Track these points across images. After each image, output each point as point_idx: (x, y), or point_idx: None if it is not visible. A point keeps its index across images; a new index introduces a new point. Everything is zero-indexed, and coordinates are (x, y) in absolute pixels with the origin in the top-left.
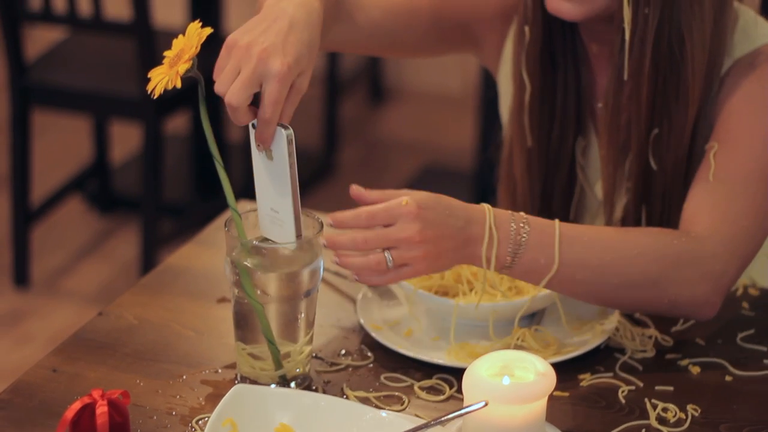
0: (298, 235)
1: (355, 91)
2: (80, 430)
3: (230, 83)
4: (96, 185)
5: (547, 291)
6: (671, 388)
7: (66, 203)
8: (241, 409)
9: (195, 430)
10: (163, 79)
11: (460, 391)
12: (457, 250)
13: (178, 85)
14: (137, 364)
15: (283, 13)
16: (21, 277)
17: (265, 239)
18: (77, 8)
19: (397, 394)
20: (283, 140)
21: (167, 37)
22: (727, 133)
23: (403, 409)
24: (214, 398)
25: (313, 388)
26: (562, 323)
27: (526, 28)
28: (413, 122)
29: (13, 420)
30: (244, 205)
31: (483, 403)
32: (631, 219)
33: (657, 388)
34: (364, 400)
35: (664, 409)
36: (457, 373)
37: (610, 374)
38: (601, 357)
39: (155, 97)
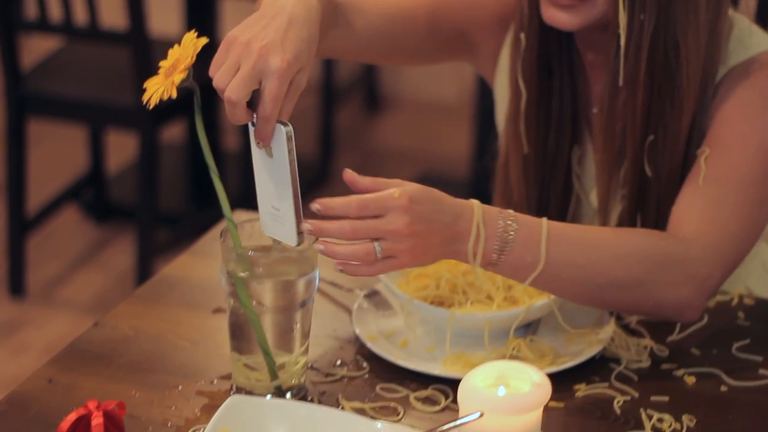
0: (299, 232)
1: (351, 99)
2: None
3: (230, 78)
4: (92, 194)
5: (542, 301)
6: (666, 398)
7: (62, 212)
8: (237, 420)
9: None
10: (158, 89)
11: (455, 401)
12: (444, 245)
13: (174, 95)
14: (133, 375)
15: (282, 10)
16: (17, 286)
17: (261, 249)
18: (73, 17)
19: (392, 404)
20: (282, 137)
21: (163, 46)
22: (720, 139)
23: (399, 420)
24: (210, 409)
25: (309, 398)
26: (557, 333)
27: (522, 36)
28: (409, 131)
29: (8, 431)
30: (239, 215)
31: (478, 414)
32: (626, 226)
33: (652, 398)
34: (360, 411)
35: (660, 420)
36: (453, 383)
37: (606, 384)
38: (596, 367)
39: (151, 108)
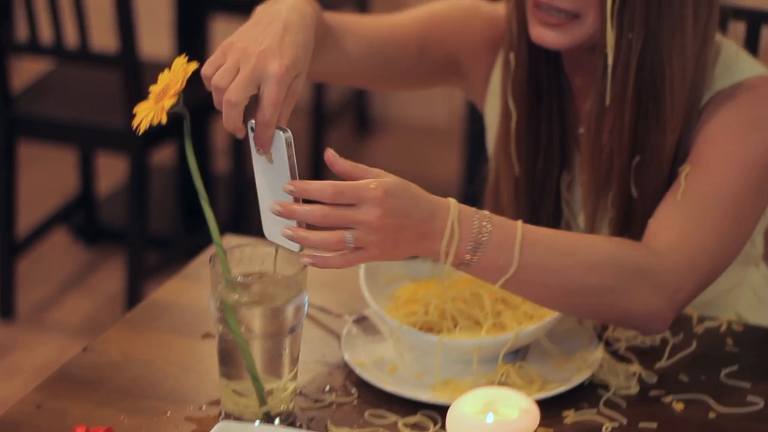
0: None
1: (342, 122)
2: None
3: (230, 78)
4: (82, 217)
5: (531, 327)
6: (655, 425)
7: (51, 235)
8: None
9: None
10: (148, 114)
11: (444, 427)
12: (415, 241)
13: (164, 120)
14: (122, 401)
15: (277, 16)
16: (6, 309)
17: (250, 274)
18: (64, 40)
19: (381, 430)
20: (282, 143)
21: (154, 69)
22: (701, 157)
23: None
24: None
25: (298, 424)
26: (546, 359)
27: (512, 56)
28: (399, 154)
29: None
30: (229, 240)
31: None
32: None
33: (641, 425)
34: None
35: None
36: (442, 409)
37: (594, 411)
38: (585, 393)
39: (140, 133)
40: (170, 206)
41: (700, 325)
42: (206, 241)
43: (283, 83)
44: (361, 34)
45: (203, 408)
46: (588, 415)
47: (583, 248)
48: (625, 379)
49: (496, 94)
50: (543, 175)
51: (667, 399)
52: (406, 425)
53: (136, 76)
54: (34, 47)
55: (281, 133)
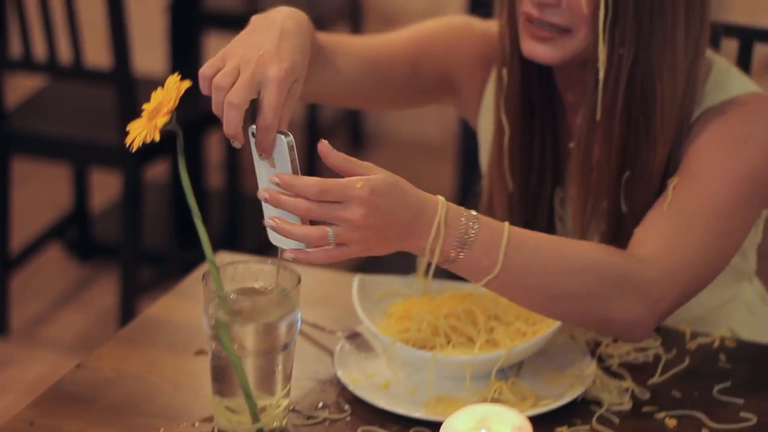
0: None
1: (336, 138)
2: None
3: (231, 81)
4: (75, 233)
5: (524, 344)
6: None
7: (45, 251)
8: None
9: None
10: (141, 132)
11: None
12: (399, 239)
13: (157, 138)
14: (115, 418)
15: (273, 24)
16: (0, 325)
17: (243, 292)
18: (57, 56)
19: None
20: (284, 147)
21: (147, 85)
22: (690, 170)
23: None
24: None
25: None
26: (539, 375)
27: (504, 71)
28: (393, 170)
29: None
30: (223, 257)
31: None
32: None
33: None
34: None
35: None
36: (435, 426)
37: (587, 427)
38: (577, 409)
39: (133, 151)
40: (164, 222)
41: (693, 341)
42: (200, 256)
43: (283, 86)
44: (354, 53)
45: (196, 425)
46: (581, 431)
47: (567, 253)
48: (618, 395)
49: (489, 111)
50: (536, 191)
51: (660, 415)
52: None
53: (130, 93)
54: (27, 64)
55: (283, 137)
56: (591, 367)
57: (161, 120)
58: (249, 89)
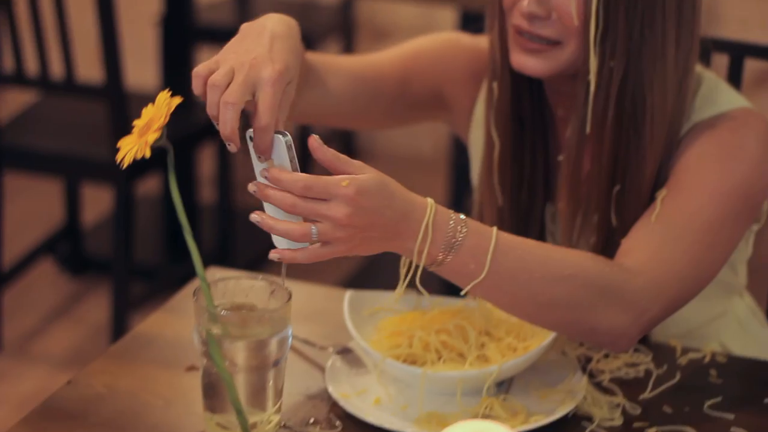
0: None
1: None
2: None
3: (227, 81)
4: (67, 248)
5: (515, 360)
6: None
7: (37, 266)
8: None
9: None
10: (132, 149)
11: None
12: (385, 240)
13: (147, 155)
14: None
15: (263, 29)
16: None
17: (234, 307)
18: (49, 71)
19: None
20: (282, 147)
21: (139, 100)
22: (679, 183)
23: None
24: None
25: None
26: (530, 391)
27: (495, 85)
28: None
29: None
30: (214, 273)
31: None
32: None
33: None
34: None
35: None
36: None
37: None
38: (569, 425)
39: (124, 167)
40: (156, 236)
41: (683, 357)
42: (192, 271)
43: (278, 87)
44: (344, 71)
45: None
46: None
47: (555, 260)
48: (609, 411)
49: (480, 126)
50: (527, 206)
51: (651, 431)
52: None
53: (122, 107)
54: (19, 78)
55: (280, 137)
56: (582, 383)
57: (152, 136)
58: (244, 89)
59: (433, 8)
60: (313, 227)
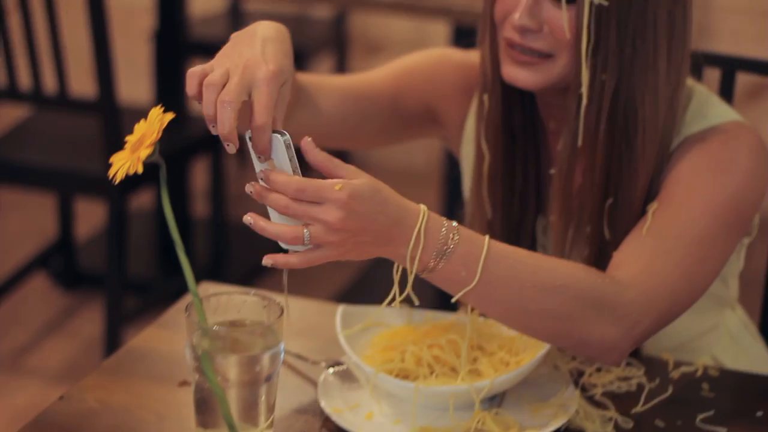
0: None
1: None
2: None
3: (223, 81)
4: (60, 262)
5: (507, 374)
6: None
7: (30, 280)
8: None
9: None
10: (124, 164)
11: None
12: (377, 245)
13: (140, 170)
14: None
15: (254, 35)
16: None
17: (226, 323)
18: (42, 85)
19: None
20: (281, 146)
21: (132, 115)
22: (670, 196)
23: None
24: None
25: None
26: (522, 405)
27: (485, 97)
28: None
29: None
30: (207, 287)
31: None
32: None
33: None
34: None
35: None
36: None
37: None
38: None
39: (116, 183)
40: (149, 250)
41: (676, 370)
42: (185, 285)
43: (273, 85)
44: (335, 91)
45: None
46: None
47: (546, 270)
48: (601, 425)
49: (471, 139)
50: (518, 219)
51: None
52: None
53: (115, 122)
54: (12, 93)
55: (279, 136)
56: (574, 397)
57: (144, 152)
58: (241, 89)
59: (426, 22)
60: (305, 230)
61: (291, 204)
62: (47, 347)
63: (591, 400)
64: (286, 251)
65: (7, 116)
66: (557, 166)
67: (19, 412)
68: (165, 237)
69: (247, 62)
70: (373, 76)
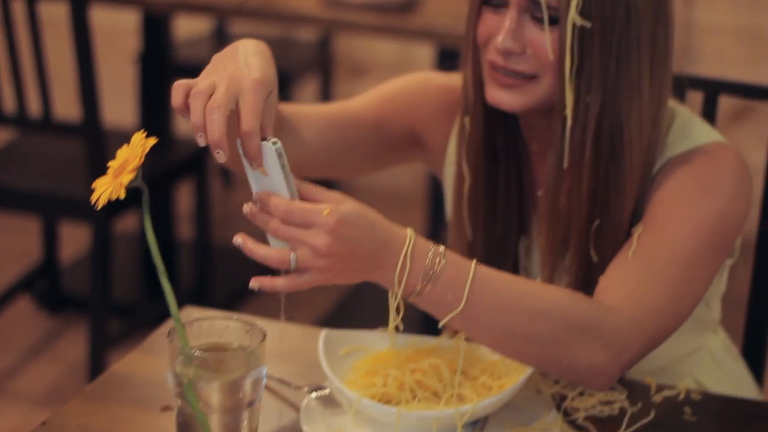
0: None
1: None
2: None
3: (210, 91)
4: (45, 285)
5: (489, 399)
6: None
7: (15, 303)
8: None
9: None
10: (107, 190)
11: None
12: (364, 269)
13: (122, 196)
14: None
15: (235, 50)
16: None
17: (209, 348)
18: (27, 109)
19: None
20: (273, 155)
21: (117, 138)
22: (654, 219)
23: None
24: None
25: None
26: (504, 429)
27: (467, 120)
28: None
29: None
30: (189, 312)
31: None
32: None
33: None
34: None
35: None
36: None
37: None
38: None
39: (99, 208)
40: (134, 274)
41: (658, 394)
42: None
43: (258, 93)
44: (318, 120)
45: None
46: None
47: (533, 296)
48: None
49: (453, 162)
50: (501, 240)
51: None
52: None
53: (100, 145)
54: None
55: (272, 145)
56: (557, 421)
57: (126, 177)
58: (228, 97)
59: (410, 45)
60: (292, 254)
61: (280, 227)
62: (31, 371)
63: (573, 424)
64: (274, 273)
65: None
66: (544, 188)
67: None
68: (150, 260)
69: (232, 74)
70: (355, 104)
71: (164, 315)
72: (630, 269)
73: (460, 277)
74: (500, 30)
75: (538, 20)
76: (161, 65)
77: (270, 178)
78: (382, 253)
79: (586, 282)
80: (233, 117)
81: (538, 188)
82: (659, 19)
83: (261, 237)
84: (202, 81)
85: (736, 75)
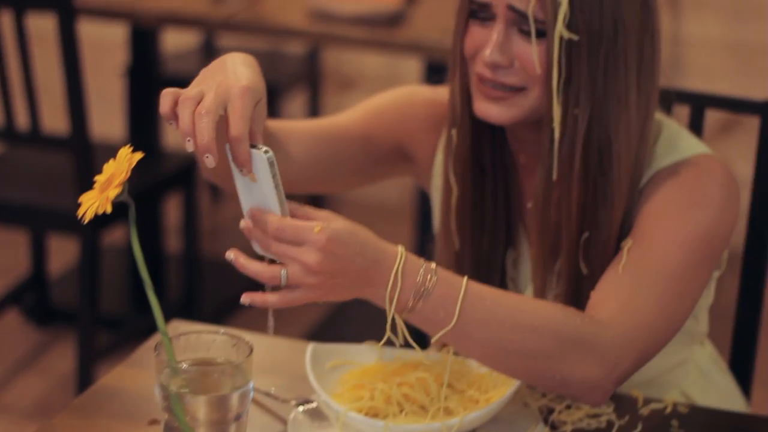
0: None
1: (296, 200)
2: None
3: (198, 97)
4: (33, 298)
5: (477, 412)
6: None
7: (3, 317)
8: None
9: None
10: (93, 204)
11: None
12: (355, 287)
13: (108, 210)
14: None
15: (222, 62)
16: None
17: (196, 362)
18: (15, 122)
19: None
20: (264, 164)
21: (105, 151)
22: (644, 232)
23: None
24: None
25: None
26: None
27: (454, 132)
28: None
29: None
30: (178, 326)
31: None
32: None
33: None
34: None
35: None
36: None
37: None
38: None
39: (85, 222)
40: (122, 286)
41: (645, 407)
42: None
43: (246, 99)
44: (305, 135)
45: None
46: None
47: (525, 311)
48: None
49: (440, 174)
50: (488, 253)
51: None
52: None
53: (88, 158)
54: None
55: (263, 154)
56: None
57: (113, 192)
58: (216, 104)
59: (398, 59)
60: (282, 271)
61: (272, 243)
62: (19, 384)
63: None
64: (263, 289)
65: None
66: (533, 201)
67: None
68: (137, 273)
69: (221, 82)
70: (343, 119)
71: (153, 327)
72: (621, 283)
73: (451, 293)
74: (488, 43)
75: (526, 33)
76: (149, 78)
77: (260, 187)
78: (373, 271)
79: (576, 294)
80: (222, 124)
81: (525, 200)
82: (646, 32)
83: (252, 252)
84: (191, 89)
85: (725, 88)
